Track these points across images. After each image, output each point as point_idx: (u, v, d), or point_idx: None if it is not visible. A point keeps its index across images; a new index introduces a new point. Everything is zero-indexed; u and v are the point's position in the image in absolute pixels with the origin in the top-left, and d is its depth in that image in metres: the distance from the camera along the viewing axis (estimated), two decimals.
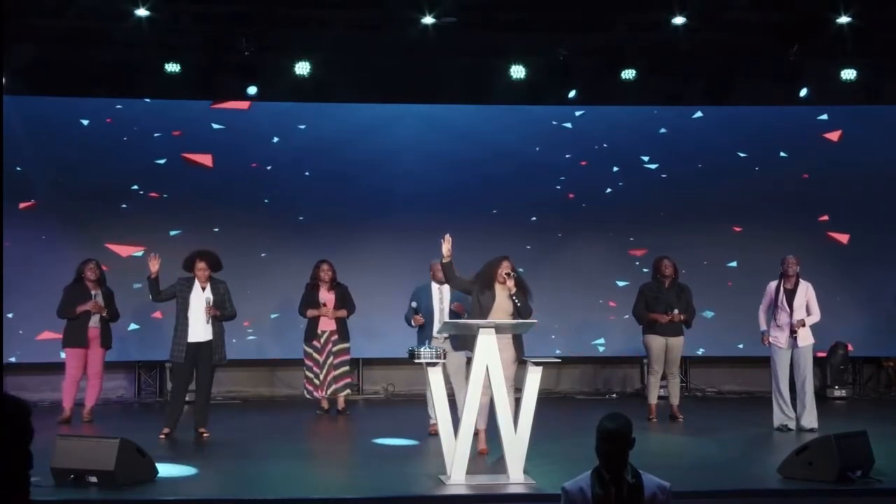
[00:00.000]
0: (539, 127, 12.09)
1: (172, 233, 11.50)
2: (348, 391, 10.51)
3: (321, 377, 10.28)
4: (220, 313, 8.90)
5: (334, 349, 10.32)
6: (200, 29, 11.07)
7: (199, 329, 8.81)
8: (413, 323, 9.18)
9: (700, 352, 11.75)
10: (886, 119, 12.19)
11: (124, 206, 11.56)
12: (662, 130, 12.17)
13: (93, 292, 9.78)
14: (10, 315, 10.74)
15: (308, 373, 10.34)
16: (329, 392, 10.30)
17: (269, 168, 11.83)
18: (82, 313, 9.73)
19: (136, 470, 6.77)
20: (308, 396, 10.41)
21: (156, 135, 11.65)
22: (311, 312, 10.33)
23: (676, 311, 9.70)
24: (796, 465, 6.89)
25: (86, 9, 10.23)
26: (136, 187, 11.59)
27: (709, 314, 11.62)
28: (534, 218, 11.98)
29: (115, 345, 10.67)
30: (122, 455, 6.61)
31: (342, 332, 10.37)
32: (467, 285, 7.95)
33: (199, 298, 8.83)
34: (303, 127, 11.90)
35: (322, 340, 10.30)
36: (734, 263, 12.02)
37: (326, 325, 10.33)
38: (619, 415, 4.14)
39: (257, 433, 9.19)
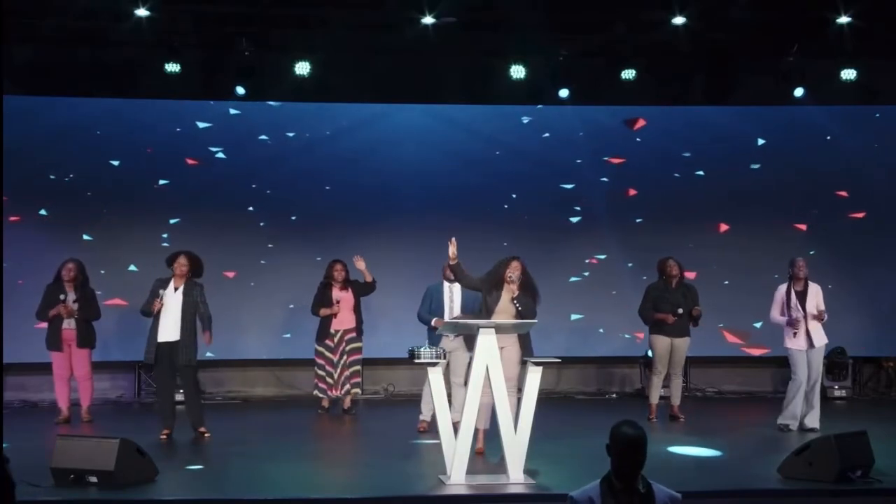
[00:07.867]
0: (541, 127, 12.08)
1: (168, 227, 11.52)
2: (357, 391, 10.48)
3: (335, 376, 10.25)
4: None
5: (348, 348, 10.28)
6: (200, 29, 11.07)
7: (170, 329, 8.79)
8: (433, 323, 9.09)
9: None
10: (886, 119, 12.18)
11: (124, 207, 11.56)
12: (668, 129, 12.18)
13: (64, 294, 9.66)
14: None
15: (320, 371, 10.28)
16: (343, 391, 10.27)
17: (269, 169, 11.81)
18: (54, 317, 9.67)
19: (136, 470, 6.77)
20: (320, 395, 10.36)
21: (162, 134, 11.66)
22: (324, 311, 10.28)
23: (681, 311, 9.68)
24: (796, 465, 6.89)
25: (86, 9, 10.22)
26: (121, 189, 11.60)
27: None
28: (540, 218, 11.94)
29: (116, 345, 10.65)
30: (122, 455, 6.61)
31: (357, 330, 10.34)
32: (477, 284, 7.86)
33: (171, 298, 8.82)
34: (303, 127, 11.89)
35: (336, 339, 10.27)
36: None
37: (340, 323, 10.28)
38: (632, 420, 4.01)
39: (257, 433, 9.19)
